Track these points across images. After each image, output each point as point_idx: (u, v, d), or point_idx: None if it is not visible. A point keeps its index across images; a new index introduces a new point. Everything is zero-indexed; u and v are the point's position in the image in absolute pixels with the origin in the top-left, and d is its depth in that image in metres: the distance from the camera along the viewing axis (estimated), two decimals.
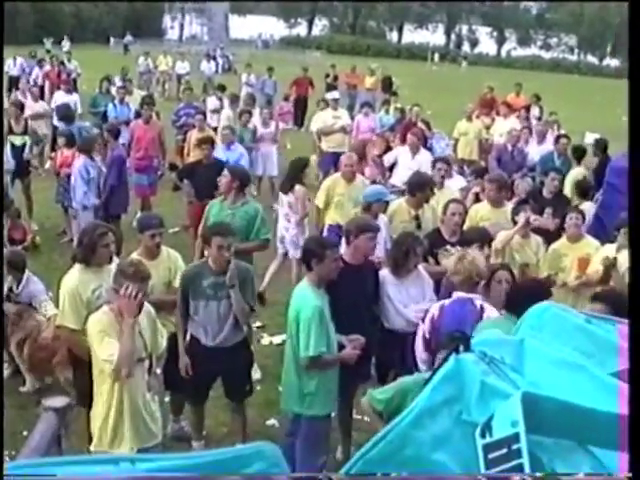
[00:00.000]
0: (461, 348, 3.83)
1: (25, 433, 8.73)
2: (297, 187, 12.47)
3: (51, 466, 3.39)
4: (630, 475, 3.56)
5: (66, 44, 52.17)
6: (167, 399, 8.82)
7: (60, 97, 20.97)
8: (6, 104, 19.73)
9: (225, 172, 10.52)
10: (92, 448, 6.91)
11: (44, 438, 5.31)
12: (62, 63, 34.24)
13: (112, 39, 75.67)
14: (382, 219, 10.21)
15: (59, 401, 5.95)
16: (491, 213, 10.63)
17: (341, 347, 7.47)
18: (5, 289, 10.24)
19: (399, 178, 14.01)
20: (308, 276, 7.47)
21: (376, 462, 3.81)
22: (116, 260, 7.77)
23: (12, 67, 34.27)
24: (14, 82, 31.19)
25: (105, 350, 6.52)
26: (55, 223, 15.75)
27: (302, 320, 7.18)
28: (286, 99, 30.24)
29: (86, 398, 7.12)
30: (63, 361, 9.16)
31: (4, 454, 8.37)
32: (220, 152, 14.41)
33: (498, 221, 10.21)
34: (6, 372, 10.07)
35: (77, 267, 7.69)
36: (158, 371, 7.89)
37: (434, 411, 3.81)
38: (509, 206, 10.93)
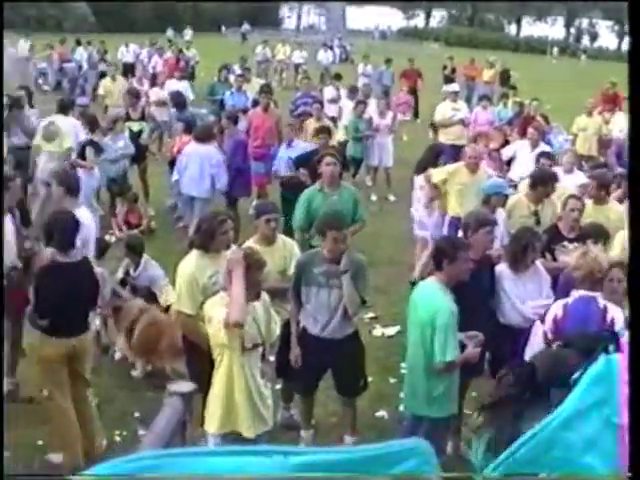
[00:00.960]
0: (611, 348, 3.70)
1: (136, 415, 8.87)
2: (430, 170, 12.47)
3: (203, 456, 3.38)
4: (630, 475, 3.58)
5: (188, 33, 52.71)
6: (278, 386, 8.80)
7: (172, 84, 21.18)
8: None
9: (331, 159, 10.58)
10: (208, 430, 6.95)
11: (170, 424, 5.31)
12: (181, 51, 34.65)
13: (224, 28, 76.33)
14: (500, 213, 10.11)
15: (185, 386, 5.97)
16: (593, 210, 10.29)
17: (460, 344, 7.32)
18: (121, 272, 10.37)
19: (517, 172, 13.81)
20: (437, 276, 7.27)
21: (523, 463, 3.74)
22: (233, 247, 7.79)
23: (125, 54, 34.78)
24: (129, 69, 31.69)
25: (219, 316, 6.60)
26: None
27: (439, 325, 6.99)
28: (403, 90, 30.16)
29: (200, 383, 7.14)
30: (171, 347, 9.24)
31: (115, 433, 8.52)
32: (282, 150, 14.44)
33: (598, 219, 9.88)
34: (118, 354, 10.19)
35: (195, 253, 7.74)
36: (271, 358, 7.88)
37: (584, 413, 3.71)
38: (613, 204, 10.62)
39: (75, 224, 7.81)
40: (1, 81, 15.68)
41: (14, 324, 8.92)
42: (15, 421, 8.69)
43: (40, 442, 8.42)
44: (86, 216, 9.07)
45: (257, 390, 6.88)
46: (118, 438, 8.58)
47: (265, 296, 7.03)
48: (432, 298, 7.18)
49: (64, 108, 15.22)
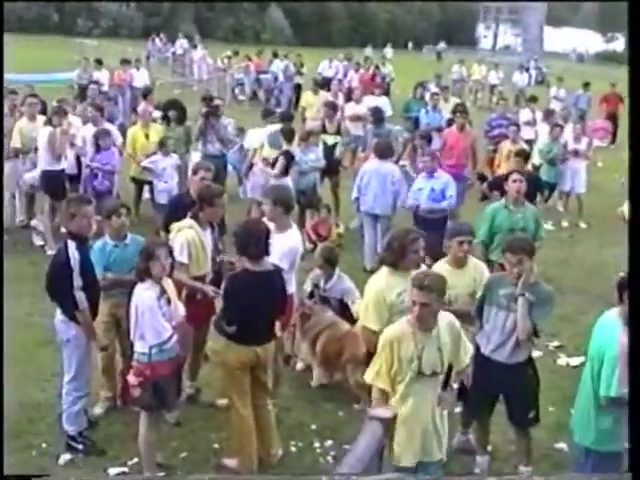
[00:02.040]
0: None
1: (313, 427, 8.89)
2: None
3: None
4: (630, 475, 3.68)
5: (388, 51, 52.88)
6: (457, 410, 8.67)
7: (371, 100, 21.22)
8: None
9: (517, 176, 10.80)
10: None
11: (369, 449, 5.27)
12: (377, 67, 34.78)
13: (410, 44, 76.47)
14: None
15: (386, 412, 5.90)
16: None
17: None
18: (310, 284, 10.35)
19: None
20: (620, 308, 6.95)
21: None
22: (423, 267, 7.71)
23: (327, 68, 35.05)
24: (326, 84, 32.00)
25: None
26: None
27: (607, 358, 6.71)
28: (602, 116, 29.43)
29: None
30: (354, 360, 9.20)
31: (290, 444, 8.54)
32: (421, 180, 13.49)
33: None
34: (300, 365, 10.22)
35: (385, 270, 7.70)
36: (455, 385, 7.72)
37: None
38: None
39: (268, 233, 7.86)
40: (1, 82, 16.17)
41: (198, 330, 9.06)
42: (194, 424, 8.86)
43: (216, 446, 8.54)
44: (297, 236, 9.06)
45: (432, 418, 6.75)
46: (294, 449, 8.61)
47: (453, 320, 6.87)
48: (607, 330, 6.88)
49: (286, 119, 15.56)
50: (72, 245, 7.92)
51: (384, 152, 13.68)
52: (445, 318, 6.77)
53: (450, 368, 6.84)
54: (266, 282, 7.79)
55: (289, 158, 14.22)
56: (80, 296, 7.87)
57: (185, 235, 8.75)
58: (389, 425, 5.65)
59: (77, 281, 7.85)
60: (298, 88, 31.69)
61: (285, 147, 14.42)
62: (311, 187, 15.04)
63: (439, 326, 6.66)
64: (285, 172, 14.21)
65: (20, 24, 68.94)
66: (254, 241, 7.72)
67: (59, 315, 8.19)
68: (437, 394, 6.77)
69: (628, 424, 4.04)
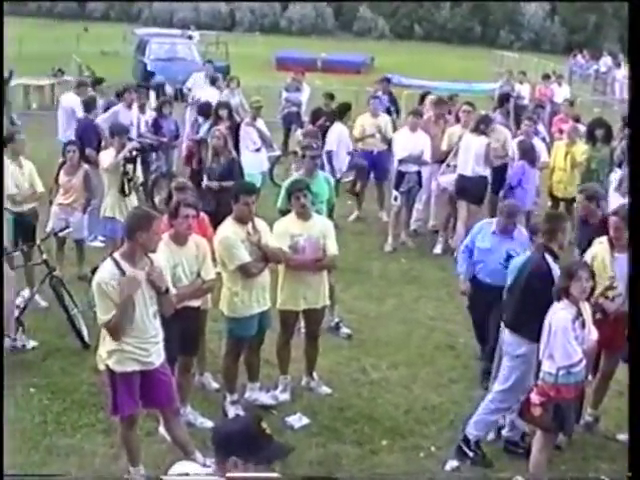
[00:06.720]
0: None
1: None
2: None
3: None
4: (630, 475, 3.87)
5: None
6: None
7: None
8: None
9: None
10: None
11: None
12: None
13: None
14: None
15: None
16: None
17: None
18: None
19: None
20: None
21: None
22: None
23: None
24: None
25: None
26: None
27: None
28: None
29: None
30: None
31: None
32: None
33: None
34: None
35: None
36: None
37: None
38: None
39: None
40: (1, 83, 15.87)
41: (610, 355, 8.78)
42: (586, 452, 8.66)
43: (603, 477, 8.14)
44: None
45: None
46: None
47: None
48: None
49: None
50: (549, 260, 8.02)
51: None
52: None
53: None
54: None
55: None
56: None
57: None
58: None
59: None
60: None
61: None
62: None
63: None
64: None
65: (442, 34, 70.91)
66: None
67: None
68: None
69: (628, 424, 3.67)
